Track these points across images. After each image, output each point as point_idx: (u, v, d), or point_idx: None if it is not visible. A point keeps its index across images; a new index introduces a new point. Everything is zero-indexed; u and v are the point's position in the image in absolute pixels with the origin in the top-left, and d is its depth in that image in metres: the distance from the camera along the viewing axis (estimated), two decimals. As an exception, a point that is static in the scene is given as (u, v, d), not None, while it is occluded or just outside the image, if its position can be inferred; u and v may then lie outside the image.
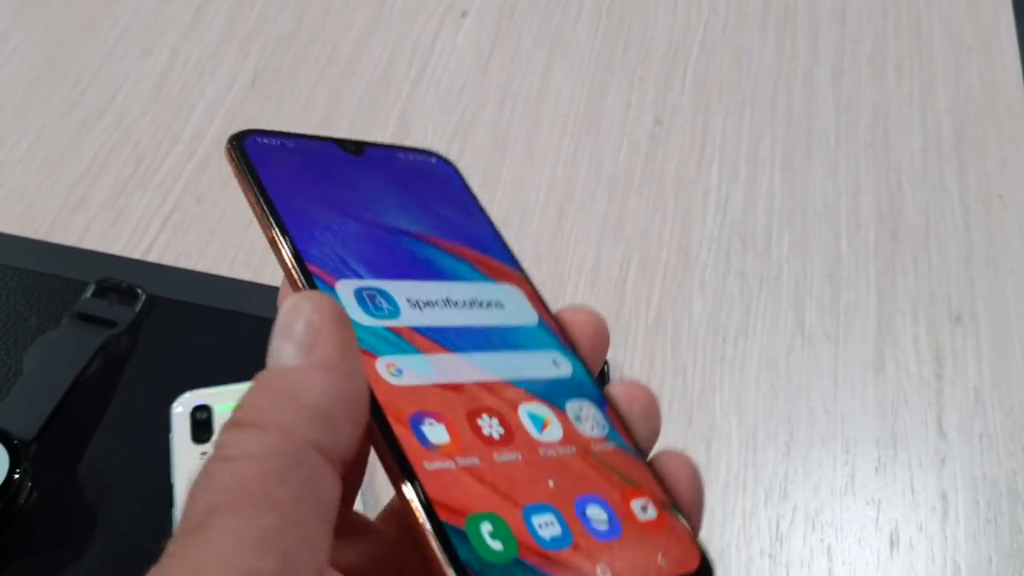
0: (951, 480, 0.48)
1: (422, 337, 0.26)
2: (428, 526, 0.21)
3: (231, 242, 0.55)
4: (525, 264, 0.55)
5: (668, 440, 0.43)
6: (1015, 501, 0.47)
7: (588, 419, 0.26)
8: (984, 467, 0.48)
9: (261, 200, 0.28)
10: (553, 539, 0.22)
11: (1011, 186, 0.59)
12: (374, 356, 0.24)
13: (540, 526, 0.22)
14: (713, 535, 0.46)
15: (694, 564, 0.23)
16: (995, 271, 0.55)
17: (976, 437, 0.49)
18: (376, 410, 0.23)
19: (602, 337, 0.29)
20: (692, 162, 0.59)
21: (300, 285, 0.26)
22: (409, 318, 0.26)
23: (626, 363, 0.51)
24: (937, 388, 0.51)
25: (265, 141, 0.28)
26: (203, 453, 0.46)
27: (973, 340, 0.53)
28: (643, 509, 0.24)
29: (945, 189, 0.59)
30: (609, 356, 0.51)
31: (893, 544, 0.46)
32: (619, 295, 0.54)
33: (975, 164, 0.60)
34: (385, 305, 0.26)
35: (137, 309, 0.52)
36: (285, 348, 0.24)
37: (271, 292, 0.54)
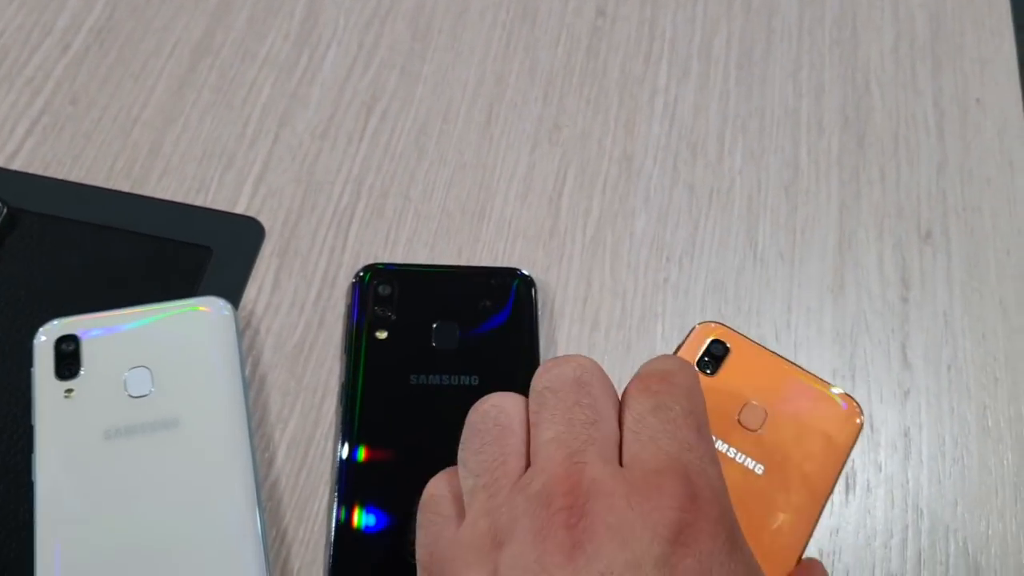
0: (915, 415, 0.43)
1: None
2: None
3: (109, 149, 0.48)
4: (448, 173, 0.49)
5: (605, 369, 0.37)
6: (985, 438, 0.43)
7: None
8: (952, 401, 0.44)
9: None
10: None
11: (990, 89, 0.53)
12: None
13: None
14: (650, 478, 0.41)
15: None
16: (970, 182, 0.50)
17: (944, 367, 0.45)
18: None
19: None
20: (638, 59, 0.53)
21: None
22: None
23: (560, 286, 0.45)
24: (902, 313, 0.46)
25: None
26: (68, 391, 0.40)
27: (944, 259, 0.47)
28: None
29: (918, 91, 0.53)
30: (541, 278, 0.45)
31: (849, 487, 0.42)
32: (554, 209, 0.48)
33: (951, 64, 0.54)
34: None
35: (-3, 224, 0.45)
36: None
37: (153, 206, 0.47)
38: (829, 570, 0.40)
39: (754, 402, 0.40)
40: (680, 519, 0.26)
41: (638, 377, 0.32)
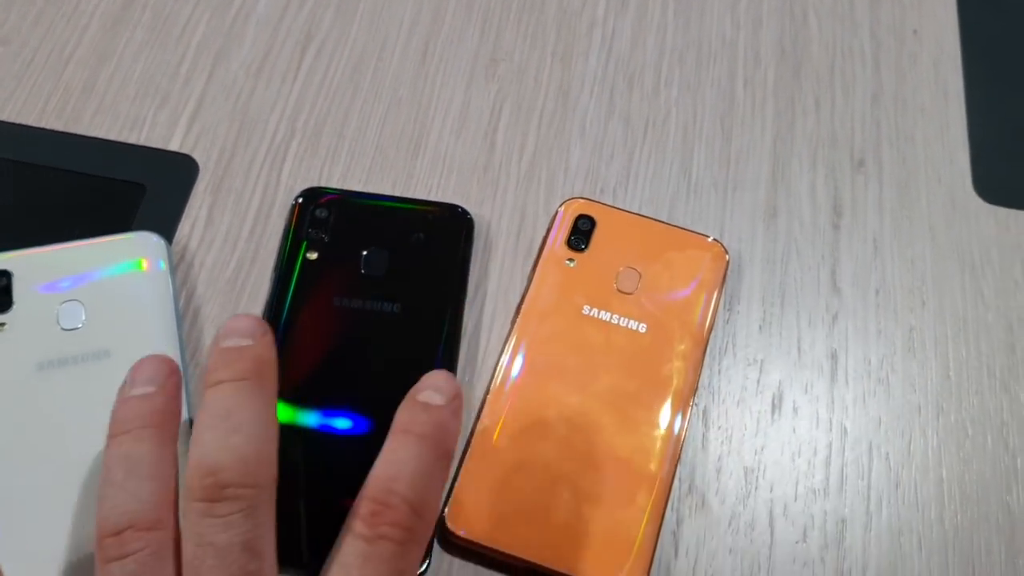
0: (842, 337, 0.44)
1: None
2: None
3: (41, 89, 0.48)
4: (382, 109, 0.49)
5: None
6: (910, 359, 0.44)
7: None
8: (879, 323, 0.44)
9: None
10: None
11: (927, 19, 0.53)
12: None
13: None
14: (580, 402, 0.41)
15: None
16: (904, 111, 0.50)
17: (872, 291, 0.45)
18: None
19: None
20: (576, -7, 0.53)
21: None
22: None
23: (493, 218, 0.46)
24: (833, 239, 0.46)
25: None
26: (0, 324, 0.40)
27: (875, 187, 0.48)
28: None
29: (855, 22, 0.53)
30: (475, 211, 0.45)
31: (775, 407, 0.42)
32: (488, 143, 0.48)
33: (890, -5, 0.54)
34: None
35: (-72, 164, 0.45)
36: None
37: (85, 144, 0.47)
38: (753, 485, 0.41)
39: (627, 267, 0.43)
40: None
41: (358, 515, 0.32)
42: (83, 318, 0.40)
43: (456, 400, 0.33)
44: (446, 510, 0.38)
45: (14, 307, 0.41)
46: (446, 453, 0.33)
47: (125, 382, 0.33)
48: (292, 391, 0.40)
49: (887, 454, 0.42)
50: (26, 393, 0.39)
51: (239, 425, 0.30)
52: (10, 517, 0.37)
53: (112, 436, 0.31)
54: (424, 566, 0.37)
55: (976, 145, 0.49)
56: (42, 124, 0.47)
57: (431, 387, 0.33)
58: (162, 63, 0.49)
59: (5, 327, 0.40)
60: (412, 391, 0.34)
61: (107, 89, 0.48)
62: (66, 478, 0.38)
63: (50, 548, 0.36)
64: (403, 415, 0.33)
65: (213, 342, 0.32)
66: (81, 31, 0.49)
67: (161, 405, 0.32)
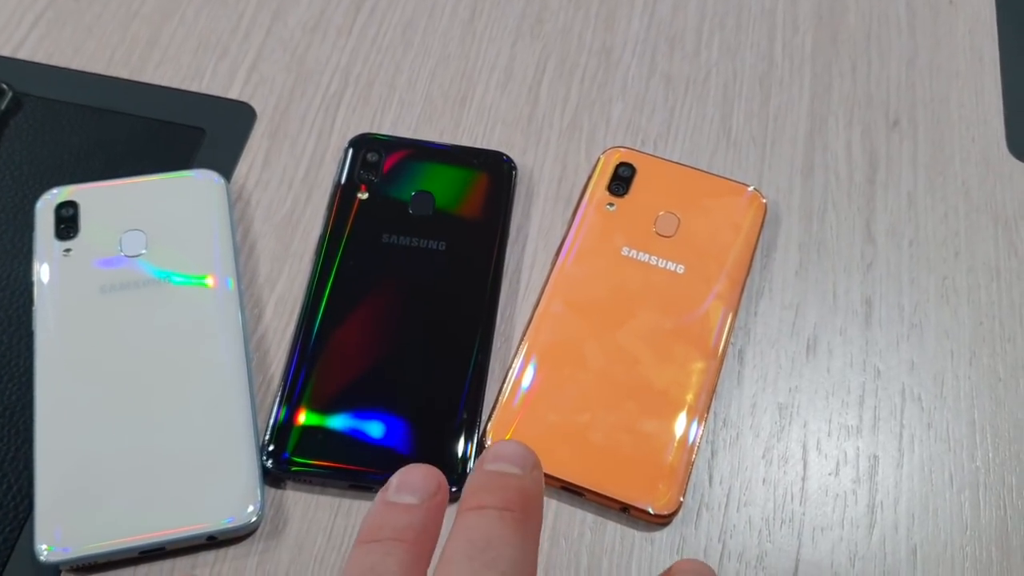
0: (876, 284, 0.45)
1: None
2: None
3: (109, 40, 0.50)
4: (432, 64, 0.51)
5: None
6: (943, 306, 0.44)
7: None
8: (913, 272, 0.45)
9: None
10: None
11: (963, -9, 0.54)
12: None
13: None
14: (619, 339, 0.43)
15: None
16: (939, 76, 0.51)
17: (906, 242, 0.46)
18: None
19: None
20: (619, -39, 0.54)
21: None
22: None
23: (536, 166, 0.47)
24: (868, 193, 0.47)
25: None
26: (66, 250, 0.42)
27: (910, 145, 0.49)
28: None
29: (892, -8, 0.54)
30: (518, 160, 0.47)
31: (810, 348, 0.43)
32: (532, 97, 0.50)
33: (926, -32, 0.55)
34: None
35: (2, 107, 0.47)
36: None
37: (149, 90, 0.50)
38: (787, 421, 0.42)
39: (666, 211, 0.44)
40: None
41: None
42: (144, 246, 0.42)
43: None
44: (487, 431, 0.39)
45: (80, 234, 0.43)
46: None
47: (388, 485, 0.29)
48: (342, 321, 0.42)
49: (920, 396, 0.42)
50: (90, 313, 0.41)
51: (496, 560, 0.26)
52: (68, 426, 0.39)
53: (361, 540, 0.28)
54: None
55: (1011, 107, 0.50)
56: (109, 72, 0.49)
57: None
58: (222, 20, 0.51)
59: (71, 252, 0.42)
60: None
61: (170, 42, 0.50)
62: (128, 392, 0.39)
63: (100, 455, 0.38)
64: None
65: (478, 463, 0.29)
66: (147, -11, 0.52)
67: (420, 521, 0.28)
